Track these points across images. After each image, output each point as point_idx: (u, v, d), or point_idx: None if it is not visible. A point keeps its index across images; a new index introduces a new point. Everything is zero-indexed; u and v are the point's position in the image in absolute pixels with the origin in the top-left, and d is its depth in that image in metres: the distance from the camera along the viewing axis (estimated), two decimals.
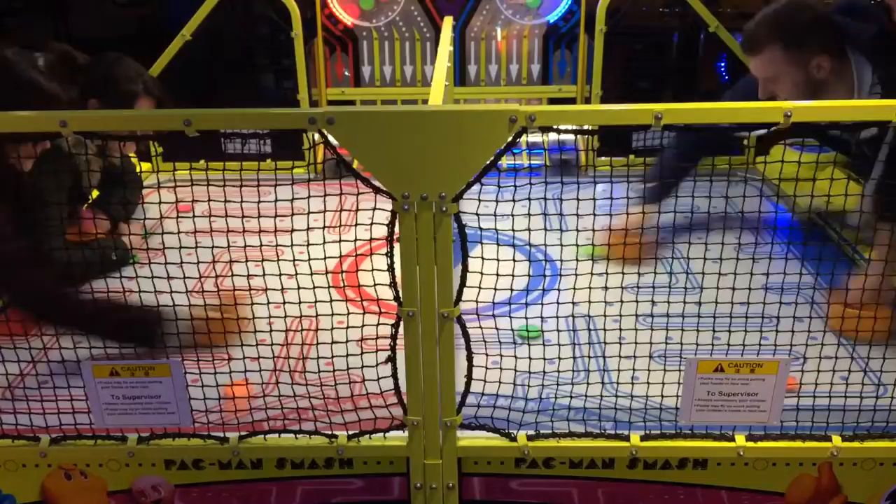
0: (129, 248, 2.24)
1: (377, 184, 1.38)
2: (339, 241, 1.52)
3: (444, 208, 1.37)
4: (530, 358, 1.60)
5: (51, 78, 2.02)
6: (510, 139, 1.34)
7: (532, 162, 3.08)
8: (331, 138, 1.36)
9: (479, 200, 1.44)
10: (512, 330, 1.63)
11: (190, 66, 3.11)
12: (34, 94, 1.92)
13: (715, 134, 1.46)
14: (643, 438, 1.57)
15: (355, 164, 1.39)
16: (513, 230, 1.49)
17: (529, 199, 1.47)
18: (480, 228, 1.46)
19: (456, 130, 1.34)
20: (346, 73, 3.53)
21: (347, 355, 1.57)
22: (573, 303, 1.55)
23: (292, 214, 1.49)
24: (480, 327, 1.53)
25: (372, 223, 1.45)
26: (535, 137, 3.05)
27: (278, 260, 1.52)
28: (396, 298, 1.44)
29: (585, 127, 1.43)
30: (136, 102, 2.36)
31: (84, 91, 2.25)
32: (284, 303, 1.54)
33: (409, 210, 1.37)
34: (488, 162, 1.36)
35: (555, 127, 1.34)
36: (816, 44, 2.12)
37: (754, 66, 2.22)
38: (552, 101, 3.48)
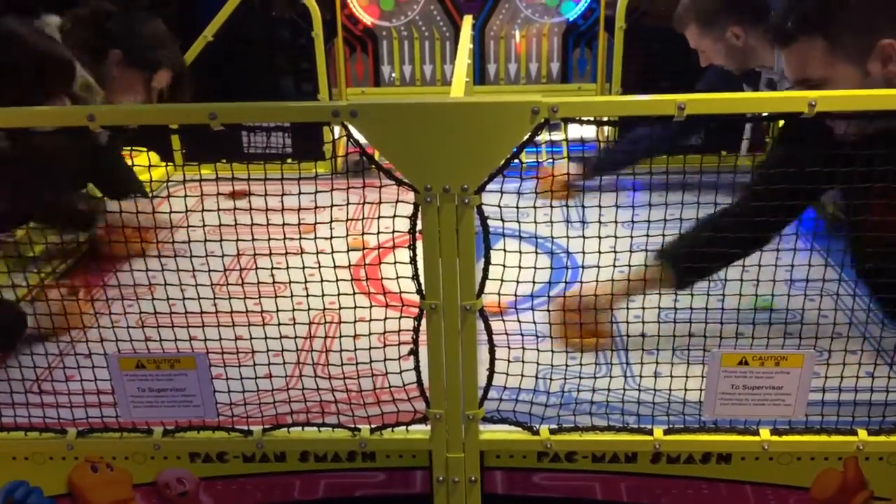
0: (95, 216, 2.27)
1: (400, 176, 1.39)
2: (363, 234, 1.53)
3: (466, 200, 1.37)
4: (553, 351, 1.60)
5: (61, 40, 2.06)
6: (532, 131, 1.34)
7: (554, 160, 3.08)
8: (353, 131, 1.37)
9: (502, 193, 1.44)
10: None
11: (210, 68, 3.14)
12: (51, 63, 1.94)
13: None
14: (666, 432, 1.56)
15: (376, 156, 1.39)
16: (535, 222, 1.49)
17: (552, 190, 1.47)
18: (503, 220, 1.47)
19: (478, 122, 1.34)
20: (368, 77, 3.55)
21: (370, 348, 1.58)
22: (595, 296, 1.55)
23: (315, 208, 1.50)
24: (503, 320, 1.53)
25: (395, 216, 1.46)
26: (555, 136, 3.07)
27: (301, 253, 1.52)
28: (419, 291, 1.45)
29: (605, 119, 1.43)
30: (157, 74, 2.37)
31: (107, 38, 2.26)
32: (308, 295, 1.54)
33: (432, 202, 1.38)
34: (511, 154, 1.36)
35: (577, 118, 1.34)
36: (727, 18, 2.48)
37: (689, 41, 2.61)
38: None
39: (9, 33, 1.98)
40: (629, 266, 1.54)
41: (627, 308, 1.56)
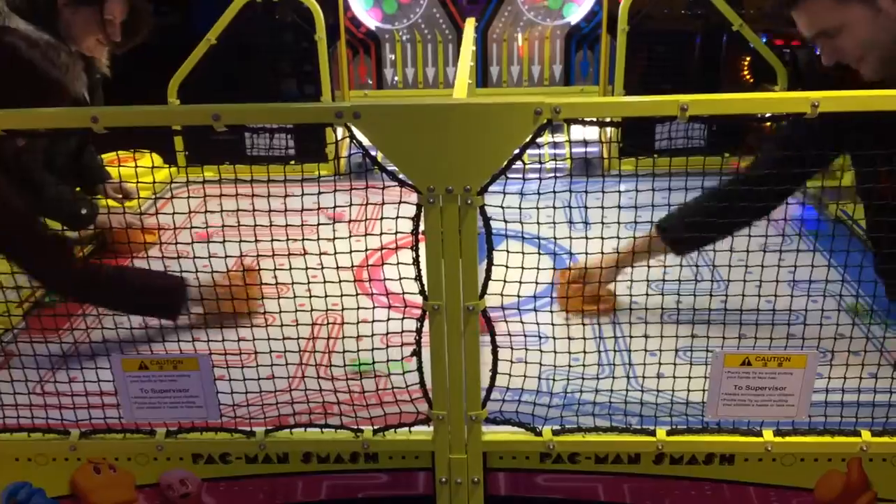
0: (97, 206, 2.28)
1: (402, 177, 1.39)
2: (365, 235, 1.53)
3: (469, 201, 1.38)
4: (556, 352, 1.60)
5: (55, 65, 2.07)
6: (535, 131, 1.34)
7: (556, 163, 3.08)
8: (356, 132, 1.37)
9: (504, 194, 1.44)
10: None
11: (213, 70, 3.15)
12: (43, 82, 1.96)
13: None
14: (669, 433, 1.56)
15: (378, 157, 1.40)
16: (538, 223, 1.49)
17: (555, 192, 1.47)
18: (505, 221, 1.47)
19: (481, 123, 1.34)
20: (370, 81, 3.55)
21: (373, 349, 1.58)
22: (598, 297, 1.55)
23: (318, 209, 1.50)
24: (506, 321, 1.53)
25: (397, 217, 1.46)
26: (558, 137, 3.07)
27: (305, 254, 1.53)
28: (422, 292, 1.45)
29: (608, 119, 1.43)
30: (106, 5, 2.26)
31: None
32: (311, 296, 1.55)
33: (435, 203, 1.38)
34: (513, 155, 1.36)
35: (580, 119, 1.34)
36: None
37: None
38: None
39: (17, 55, 2.00)
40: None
41: (630, 308, 1.56)
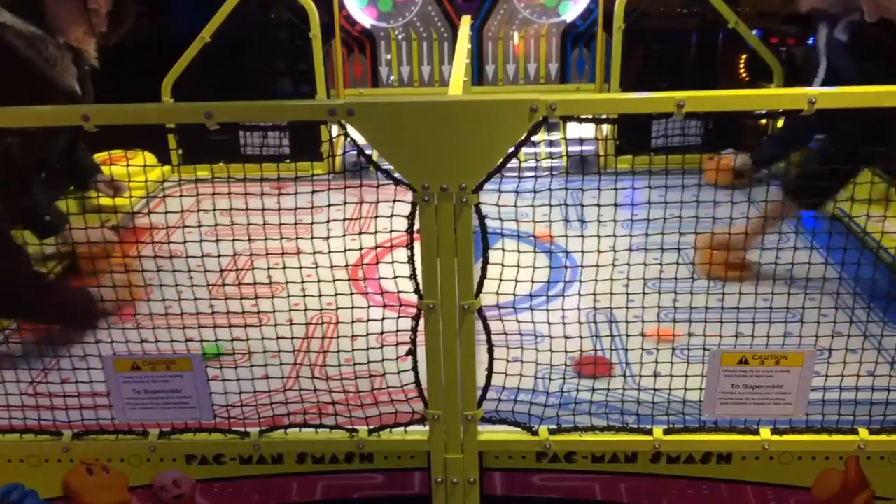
0: (64, 216, 2.26)
1: (397, 175, 1.38)
2: (360, 233, 1.52)
3: (464, 199, 1.36)
4: (552, 351, 1.59)
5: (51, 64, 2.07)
6: (531, 129, 1.33)
7: (552, 161, 3.07)
8: (351, 130, 1.36)
9: (500, 192, 1.43)
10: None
11: (207, 69, 3.14)
12: (39, 82, 1.96)
13: None
14: (666, 432, 1.55)
15: (373, 155, 1.39)
16: (534, 221, 1.48)
17: (551, 189, 1.46)
18: (501, 220, 1.46)
19: (476, 121, 1.33)
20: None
21: (368, 349, 1.57)
22: (594, 294, 1.54)
23: (312, 207, 1.49)
24: (501, 320, 1.52)
25: (392, 216, 1.45)
26: (554, 135, 3.06)
27: (299, 253, 1.51)
28: (417, 291, 1.44)
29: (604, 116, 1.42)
30: None
31: None
32: (305, 296, 1.53)
33: (430, 201, 1.37)
34: (509, 152, 1.35)
35: (576, 116, 1.33)
36: None
37: None
38: None
39: (15, 54, 2.00)
40: (629, 265, 1.52)
41: (627, 307, 1.55)
